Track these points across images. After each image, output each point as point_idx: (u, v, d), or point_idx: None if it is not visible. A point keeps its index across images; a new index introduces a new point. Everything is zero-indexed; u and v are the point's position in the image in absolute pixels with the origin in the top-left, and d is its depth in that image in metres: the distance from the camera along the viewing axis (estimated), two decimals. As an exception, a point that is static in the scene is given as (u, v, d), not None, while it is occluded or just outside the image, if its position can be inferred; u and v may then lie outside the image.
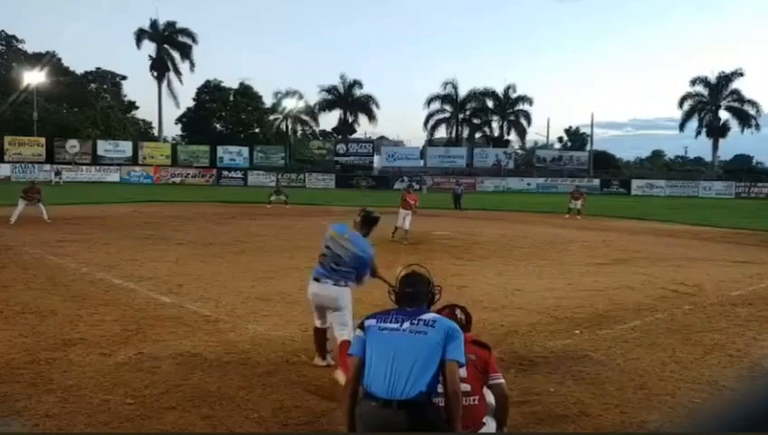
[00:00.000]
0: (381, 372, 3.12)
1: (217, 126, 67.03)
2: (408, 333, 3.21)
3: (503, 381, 3.47)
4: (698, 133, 63.91)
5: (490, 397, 3.58)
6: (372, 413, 3.09)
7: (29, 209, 18.35)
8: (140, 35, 60.64)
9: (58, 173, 46.96)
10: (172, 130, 71.46)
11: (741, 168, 66.90)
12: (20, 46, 64.01)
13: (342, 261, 5.52)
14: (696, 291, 10.03)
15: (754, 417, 0.90)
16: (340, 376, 4.99)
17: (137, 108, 71.74)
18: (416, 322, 3.25)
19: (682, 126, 64.63)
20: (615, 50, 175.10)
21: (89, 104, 62.73)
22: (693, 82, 63.59)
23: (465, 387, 3.25)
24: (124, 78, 70.03)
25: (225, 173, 55.56)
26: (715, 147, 64.62)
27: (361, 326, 3.37)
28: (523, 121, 66.59)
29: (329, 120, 72.65)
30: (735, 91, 62.58)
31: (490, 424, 3.49)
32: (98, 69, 68.32)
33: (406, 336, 3.19)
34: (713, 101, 63.01)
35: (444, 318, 3.41)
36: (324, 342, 5.79)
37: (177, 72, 62.12)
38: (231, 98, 67.25)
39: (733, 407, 0.97)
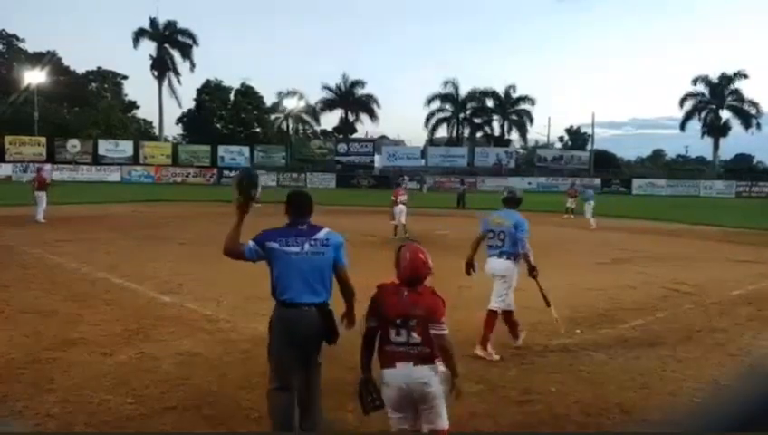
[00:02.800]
0: (294, 285, 3.91)
1: (218, 126, 67.02)
2: (310, 255, 3.95)
3: (445, 332, 3.42)
4: (703, 134, 63.86)
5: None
6: (292, 315, 3.90)
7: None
8: (139, 35, 60.56)
9: (23, 171, 46.19)
10: (173, 130, 71.61)
11: (741, 167, 66.82)
12: (21, 46, 64.01)
13: (503, 238, 6.40)
14: (696, 290, 10.02)
15: (754, 415, 0.90)
16: (480, 351, 6.10)
17: (137, 107, 71.82)
18: (313, 243, 4.00)
19: (683, 125, 64.67)
20: (616, 49, 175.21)
21: (89, 104, 62.79)
22: (694, 82, 63.60)
23: (415, 338, 3.43)
24: (125, 78, 70.11)
25: (226, 173, 55.52)
26: (716, 146, 64.58)
27: (259, 243, 4.05)
28: (525, 121, 66.62)
29: (330, 120, 72.57)
30: (737, 91, 62.55)
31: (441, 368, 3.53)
32: (99, 68, 68.35)
33: (309, 259, 3.95)
34: (714, 101, 62.93)
35: (333, 234, 4.12)
36: (515, 323, 6.58)
37: (177, 72, 62.20)
38: (231, 97, 67.25)
39: (733, 405, 0.97)
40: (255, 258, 4.09)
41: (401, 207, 16.64)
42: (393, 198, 16.91)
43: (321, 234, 4.08)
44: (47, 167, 22.95)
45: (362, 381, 3.60)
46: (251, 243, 4.09)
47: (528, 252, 6.34)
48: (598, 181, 55.90)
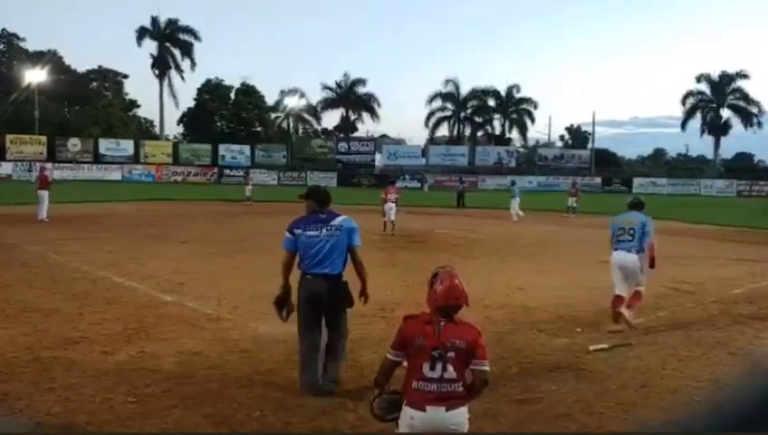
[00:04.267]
0: (311, 260, 5.01)
1: (219, 124, 67.00)
2: (325, 237, 5.03)
3: (488, 368, 3.26)
4: (703, 132, 63.80)
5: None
6: (310, 282, 5.02)
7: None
8: (141, 33, 60.56)
9: (31, 170, 45.87)
10: (174, 129, 71.48)
11: (742, 166, 66.80)
12: (21, 45, 63.83)
13: (633, 233, 7.37)
14: (697, 289, 10.03)
15: (755, 414, 0.90)
16: (627, 313, 7.09)
17: (138, 106, 71.65)
18: (329, 228, 5.06)
19: (684, 124, 64.57)
20: (616, 49, 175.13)
21: (90, 103, 62.71)
22: (698, 79, 63.35)
23: (451, 374, 3.14)
24: (126, 76, 69.91)
25: (227, 171, 55.55)
26: (717, 145, 64.50)
27: (291, 232, 5.11)
28: (526, 120, 66.59)
29: (331, 119, 72.44)
30: (738, 90, 62.44)
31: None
32: (99, 67, 68.17)
33: (325, 240, 5.02)
34: (715, 100, 62.85)
35: (348, 220, 5.17)
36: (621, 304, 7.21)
37: (179, 71, 62.10)
38: (232, 96, 67.22)
39: (733, 404, 0.97)
40: (294, 247, 5.10)
41: (390, 204, 17.18)
42: (383, 196, 17.73)
43: (337, 221, 5.12)
44: (49, 166, 22.99)
45: (377, 395, 3.33)
46: (287, 236, 5.13)
47: (653, 246, 7.57)
48: (598, 180, 55.93)
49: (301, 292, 5.07)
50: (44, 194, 18.59)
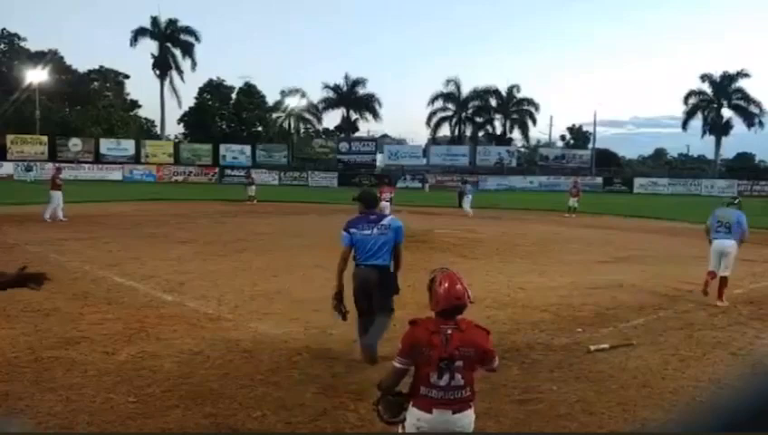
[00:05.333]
0: (363, 254, 5.90)
1: (220, 124, 67.00)
2: (376, 235, 5.89)
3: (497, 363, 3.31)
4: (705, 132, 63.67)
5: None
6: (363, 272, 5.90)
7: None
8: (137, 34, 60.29)
9: (29, 169, 46.18)
10: (174, 129, 71.48)
11: (743, 166, 66.72)
12: (22, 44, 63.72)
13: (728, 226, 9.14)
14: (698, 289, 10.00)
15: (756, 415, 0.90)
16: (720, 302, 8.74)
17: (139, 106, 71.63)
18: (380, 227, 5.91)
19: (685, 124, 64.46)
20: (617, 48, 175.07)
21: (91, 103, 62.70)
22: (702, 78, 63.13)
23: (458, 381, 3.12)
24: (127, 77, 69.86)
25: (228, 171, 55.56)
26: (718, 145, 64.39)
27: (347, 231, 5.93)
28: (527, 120, 66.49)
29: (332, 119, 72.45)
30: (739, 90, 62.32)
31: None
32: (101, 67, 68.14)
33: (375, 238, 5.88)
34: (716, 99, 62.76)
35: (394, 220, 6.10)
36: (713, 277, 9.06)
37: (179, 71, 62.05)
38: (233, 96, 67.20)
39: (734, 405, 0.96)
40: (351, 243, 5.93)
41: (385, 203, 17.33)
42: (378, 194, 17.59)
43: (385, 221, 6.03)
44: (57, 167, 23.15)
45: (382, 396, 3.32)
46: (344, 234, 5.94)
47: (745, 234, 9.32)
48: (599, 180, 55.90)
49: (355, 279, 5.95)
50: (53, 195, 18.60)
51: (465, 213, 24.98)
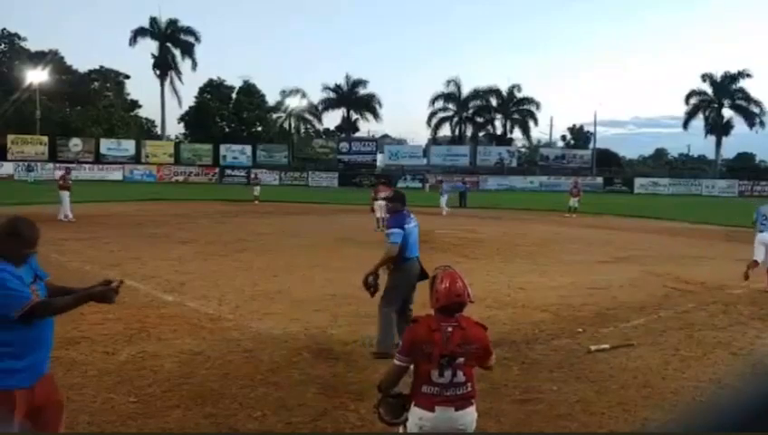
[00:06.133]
0: (411, 246, 6.32)
1: (220, 124, 67.00)
2: (416, 228, 6.45)
3: (494, 361, 3.37)
4: (706, 133, 63.63)
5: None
6: (415, 264, 6.30)
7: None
8: (137, 34, 60.29)
9: (30, 170, 46.17)
10: (175, 129, 71.53)
11: (744, 166, 66.67)
12: (22, 44, 63.73)
13: None
14: (698, 289, 10.02)
15: (757, 415, 0.90)
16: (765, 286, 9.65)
17: (140, 106, 71.65)
18: (416, 221, 6.53)
19: (686, 124, 64.44)
20: (618, 48, 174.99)
21: (92, 103, 62.71)
22: (703, 78, 63.09)
23: (460, 378, 3.14)
24: (127, 77, 69.84)
25: (228, 171, 55.60)
26: (719, 145, 64.36)
27: (402, 227, 6.24)
28: (528, 120, 66.42)
29: (332, 119, 72.39)
30: (740, 90, 62.28)
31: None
32: (101, 67, 68.14)
33: (416, 230, 6.44)
34: (717, 99, 62.73)
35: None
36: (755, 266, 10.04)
37: (179, 71, 62.09)
38: (234, 96, 67.20)
39: (735, 405, 0.96)
40: (404, 239, 6.28)
41: (381, 202, 17.41)
42: (372, 194, 19.17)
43: (413, 216, 6.60)
44: (67, 168, 23.36)
45: (382, 398, 3.32)
46: (399, 231, 6.23)
47: None
48: (600, 180, 55.88)
49: (404, 272, 6.26)
50: (62, 195, 18.93)
51: (444, 211, 25.75)
